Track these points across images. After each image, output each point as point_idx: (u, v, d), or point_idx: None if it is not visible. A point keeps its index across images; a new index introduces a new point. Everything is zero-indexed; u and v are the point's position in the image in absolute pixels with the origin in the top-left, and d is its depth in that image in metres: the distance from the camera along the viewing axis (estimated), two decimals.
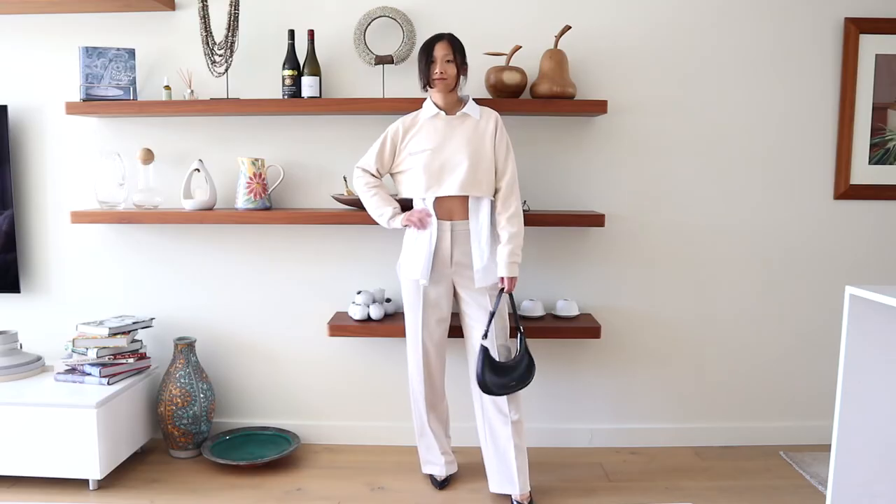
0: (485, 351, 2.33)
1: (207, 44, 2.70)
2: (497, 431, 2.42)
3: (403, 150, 2.42)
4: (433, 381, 2.54)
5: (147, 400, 2.84)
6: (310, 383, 3.01)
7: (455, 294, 2.49)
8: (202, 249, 2.96)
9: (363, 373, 2.98)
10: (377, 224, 2.72)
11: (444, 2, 2.80)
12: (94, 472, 2.49)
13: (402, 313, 2.90)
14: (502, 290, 2.37)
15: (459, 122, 2.39)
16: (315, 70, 2.72)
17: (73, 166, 2.93)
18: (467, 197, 2.38)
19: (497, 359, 2.36)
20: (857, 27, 2.78)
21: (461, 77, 2.39)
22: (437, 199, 2.38)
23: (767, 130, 2.86)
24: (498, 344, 2.39)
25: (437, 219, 2.39)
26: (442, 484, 2.59)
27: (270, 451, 2.79)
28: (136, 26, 2.85)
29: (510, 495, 2.43)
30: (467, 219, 2.40)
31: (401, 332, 2.74)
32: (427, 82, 2.38)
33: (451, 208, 2.39)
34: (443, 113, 2.40)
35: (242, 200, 2.75)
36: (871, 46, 2.80)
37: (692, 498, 2.53)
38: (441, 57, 2.33)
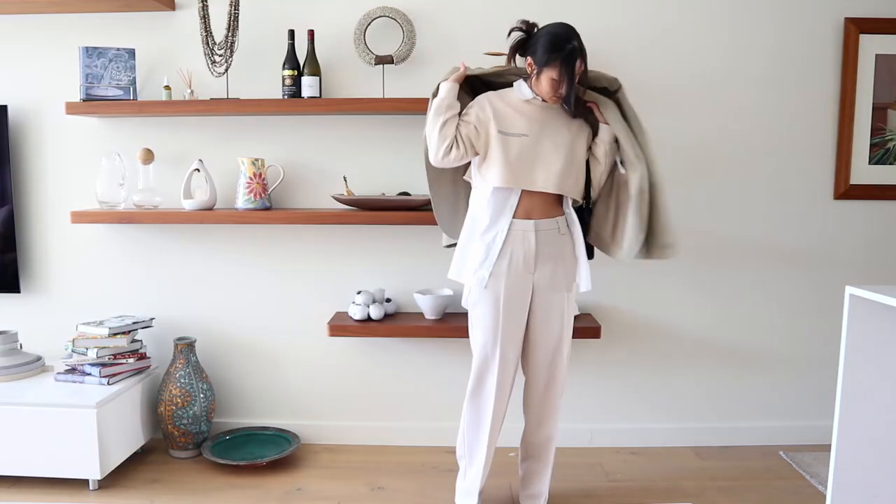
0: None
1: (207, 44, 2.70)
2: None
3: (491, 128, 2.14)
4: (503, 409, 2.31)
5: (147, 400, 2.83)
6: (310, 383, 3.01)
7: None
8: (202, 249, 2.96)
9: (363, 373, 2.98)
10: (377, 224, 2.72)
11: (444, 2, 2.80)
12: (94, 472, 2.49)
13: (402, 314, 2.92)
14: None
15: (555, 111, 2.18)
16: (315, 70, 2.72)
17: (73, 166, 2.93)
18: (553, 196, 2.20)
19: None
20: (857, 27, 2.78)
21: None
22: (523, 193, 2.16)
23: (767, 130, 2.86)
24: None
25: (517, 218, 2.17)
26: None
27: (270, 451, 2.79)
28: (136, 26, 2.85)
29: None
30: (550, 217, 2.20)
31: (400, 333, 2.75)
32: (544, 92, 2.12)
33: (532, 207, 2.18)
34: (539, 99, 2.16)
35: (242, 200, 2.75)
36: (871, 46, 2.80)
37: (692, 498, 2.53)
38: (576, 75, 2.09)
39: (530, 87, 2.17)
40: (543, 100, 2.16)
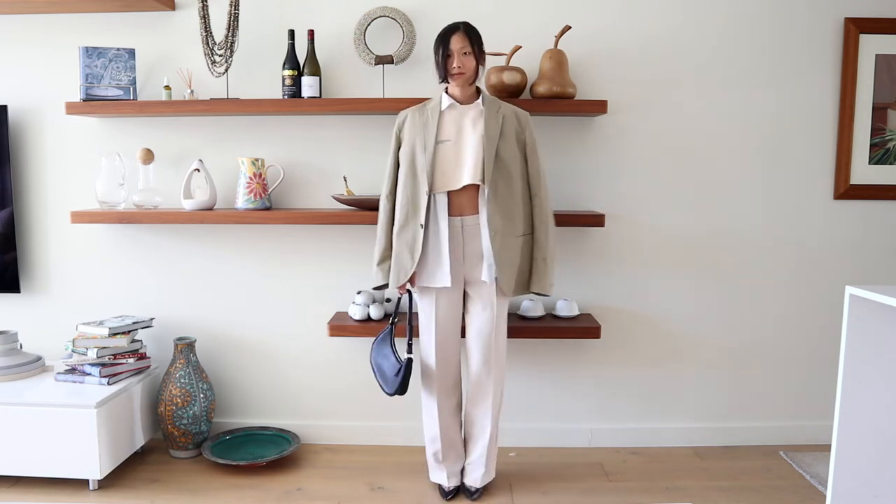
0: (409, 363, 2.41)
1: (207, 44, 2.70)
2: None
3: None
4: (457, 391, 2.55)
5: (147, 400, 2.83)
6: (310, 383, 3.01)
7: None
8: (202, 249, 2.96)
9: (363, 373, 2.98)
10: (377, 224, 2.72)
11: (444, 2, 2.80)
12: (94, 472, 2.49)
13: (401, 313, 2.91)
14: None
15: (476, 112, 2.32)
16: (315, 70, 2.72)
17: (73, 166, 2.93)
18: (477, 189, 2.31)
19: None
20: (857, 27, 2.78)
21: (480, 67, 2.31)
22: (449, 193, 2.32)
23: (767, 130, 2.86)
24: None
25: (449, 216, 2.33)
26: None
27: (270, 451, 2.79)
28: (136, 26, 2.85)
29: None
30: (476, 213, 2.34)
31: (400, 332, 2.74)
32: (445, 76, 2.29)
33: (463, 203, 2.33)
34: (457, 104, 2.33)
35: (242, 200, 2.75)
36: (871, 46, 2.80)
37: (692, 498, 2.53)
38: (458, 50, 2.23)
39: (447, 94, 2.35)
40: (462, 104, 2.32)
